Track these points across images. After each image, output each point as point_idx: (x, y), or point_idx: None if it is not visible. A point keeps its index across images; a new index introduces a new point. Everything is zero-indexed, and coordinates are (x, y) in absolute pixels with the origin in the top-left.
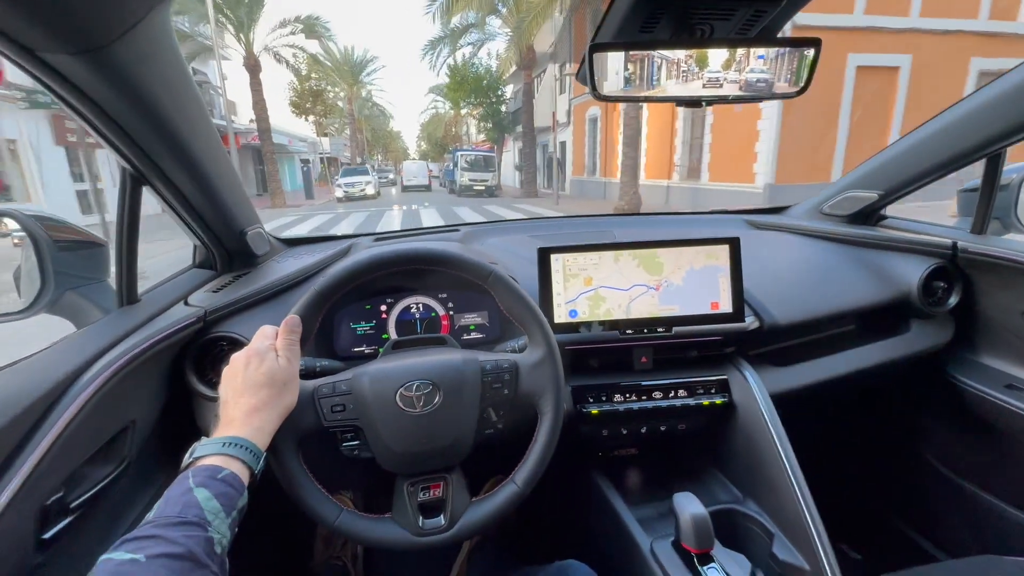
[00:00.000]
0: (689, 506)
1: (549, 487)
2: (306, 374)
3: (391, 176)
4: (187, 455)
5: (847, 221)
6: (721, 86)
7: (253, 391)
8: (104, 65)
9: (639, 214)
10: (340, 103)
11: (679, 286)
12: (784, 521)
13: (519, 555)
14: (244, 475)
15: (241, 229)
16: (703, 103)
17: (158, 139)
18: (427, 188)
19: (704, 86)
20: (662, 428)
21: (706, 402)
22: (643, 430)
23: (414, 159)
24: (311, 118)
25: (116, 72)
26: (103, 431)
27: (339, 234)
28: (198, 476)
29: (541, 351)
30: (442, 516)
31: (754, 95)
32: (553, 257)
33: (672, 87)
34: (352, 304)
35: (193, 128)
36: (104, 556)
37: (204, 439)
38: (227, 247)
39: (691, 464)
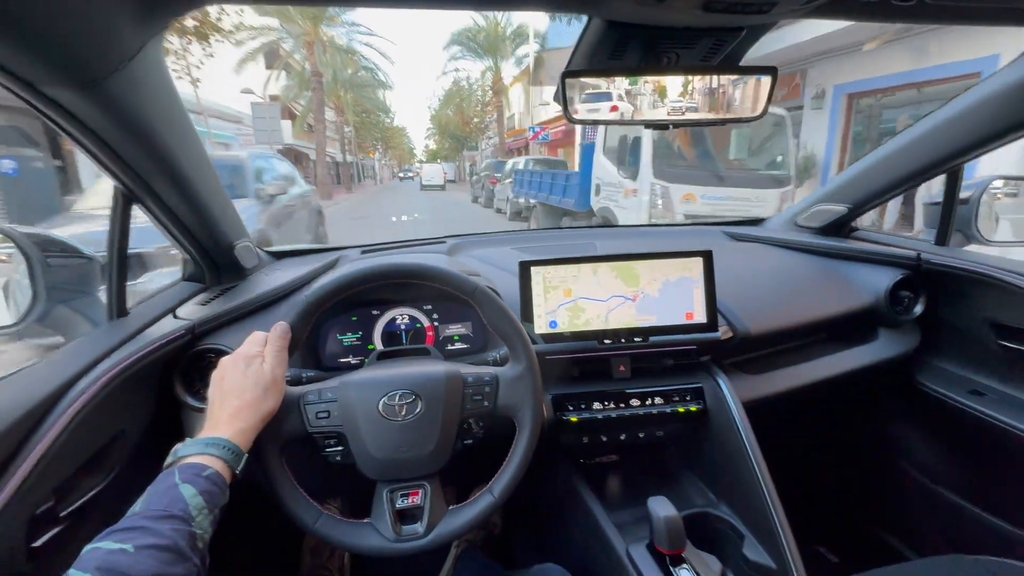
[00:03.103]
0: (662, 509)
1: (532, 494)
2: (292, 384)
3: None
4: (170, 455)
5: (819, 233)
6: (683, 112)
7: (238, 393)
8: (101, 96)
9: (620, 226)
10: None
11: (655, 297)
12: (753, 523)
13: (504, 561)
14: (226, 474)
15: (230, 243)
16: (670, 126)
17: (151, 161)
18: (442, 188)
19: (669, 113)
20: (640, 435)
21: (681, 409)
22: (622, 437)
23: (421, 161)
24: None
25: (112, 102)
26: (93, 441)
27: (327, 246)
28: (184, 473)
29: (521, 366)
30: (419, 523)
31: (717, 119)
32: (534, 270)
33: (642, 110)
34: (338, 315)
35: (183, 147)
36: (91, 545)
37: (188, 439)
38: (216, 260)
39: (669, 470)
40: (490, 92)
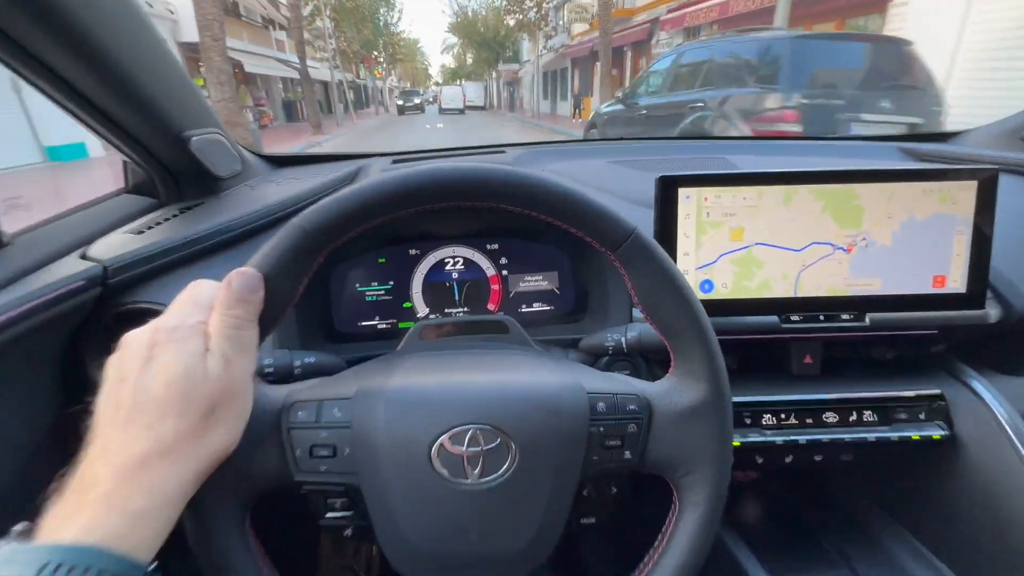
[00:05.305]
0: None
1: (627, 513)
2: (277, 376)
3: None
4: None
5: None
6: None
7: (147, 417)
8: None
9: (759, 138)
10: None
11: (886, 248)
12: None
13: None
14: None
15: (177, 133)
16: None
17: None
18: (461, 112)
19: None
20: (817, 458)
21: (915, 436)
22: (787, 459)
23: (438, 83)
24: None
25: None
26: None
27: (345, 152)
28: None
29: (702, 388)
30: None
31: None
32: (684, 192)
33: None
34: (360, 255)
35: None
36: None
37: (10, 540)
38: (166, 163)
39: (845, 504)
40: None
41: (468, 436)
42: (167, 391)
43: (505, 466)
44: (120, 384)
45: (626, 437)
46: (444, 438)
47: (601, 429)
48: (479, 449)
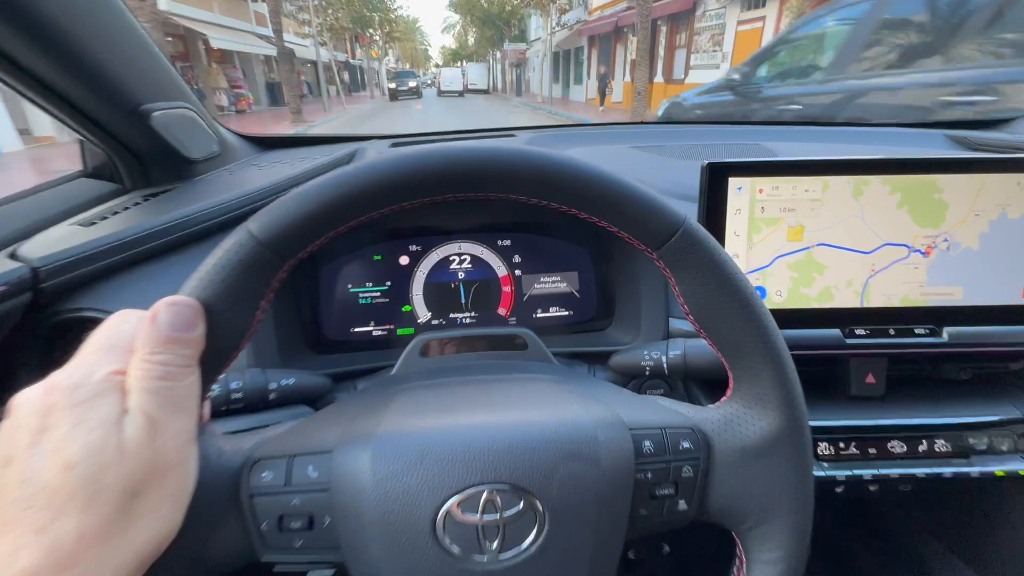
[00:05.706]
0: None
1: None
2: (247, 403)
3: None
4: None
5: None
6: None
7: (37, 516)
8: None
9: (797, 123)
10: None
11: (971, 250)
12: None
13: None
14: None
15: (133, 106)
16: None
17: None
18: (460, 94)
19: None
20: (872, 488)
21: (999, 472)
22: (838, 490)
23: (438, 65)
24: None
25: None
26: None
27: (339, 135)
28: None
29: (773, 417)
30: None
31: None
32: (733, 183)
33: None
34: (351, 252)
35: None
36: None
37: None
38: (126, 142)
39: (896, 535)
40: None
41: (483, 499)
42: (65, 477)
43: (531, 536)
44: (4, 469)
45: (680, 483)
46: (452, 503)
47: (649, 475)
48: (497, 516)
